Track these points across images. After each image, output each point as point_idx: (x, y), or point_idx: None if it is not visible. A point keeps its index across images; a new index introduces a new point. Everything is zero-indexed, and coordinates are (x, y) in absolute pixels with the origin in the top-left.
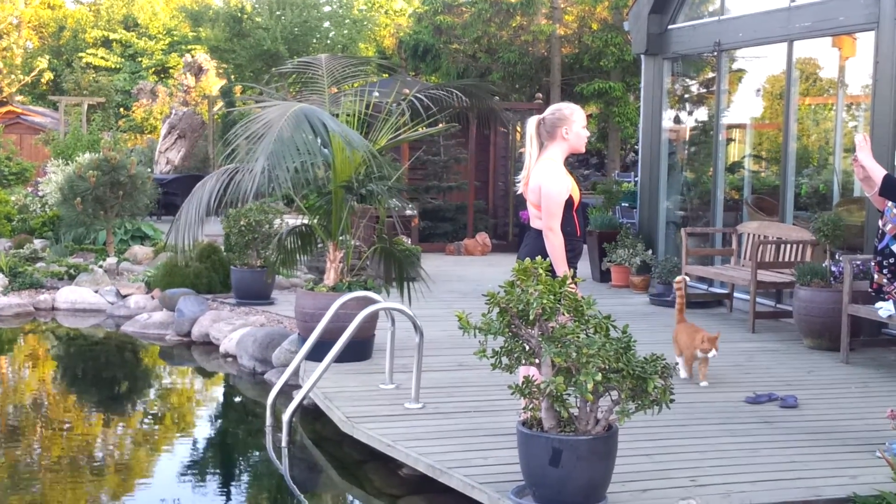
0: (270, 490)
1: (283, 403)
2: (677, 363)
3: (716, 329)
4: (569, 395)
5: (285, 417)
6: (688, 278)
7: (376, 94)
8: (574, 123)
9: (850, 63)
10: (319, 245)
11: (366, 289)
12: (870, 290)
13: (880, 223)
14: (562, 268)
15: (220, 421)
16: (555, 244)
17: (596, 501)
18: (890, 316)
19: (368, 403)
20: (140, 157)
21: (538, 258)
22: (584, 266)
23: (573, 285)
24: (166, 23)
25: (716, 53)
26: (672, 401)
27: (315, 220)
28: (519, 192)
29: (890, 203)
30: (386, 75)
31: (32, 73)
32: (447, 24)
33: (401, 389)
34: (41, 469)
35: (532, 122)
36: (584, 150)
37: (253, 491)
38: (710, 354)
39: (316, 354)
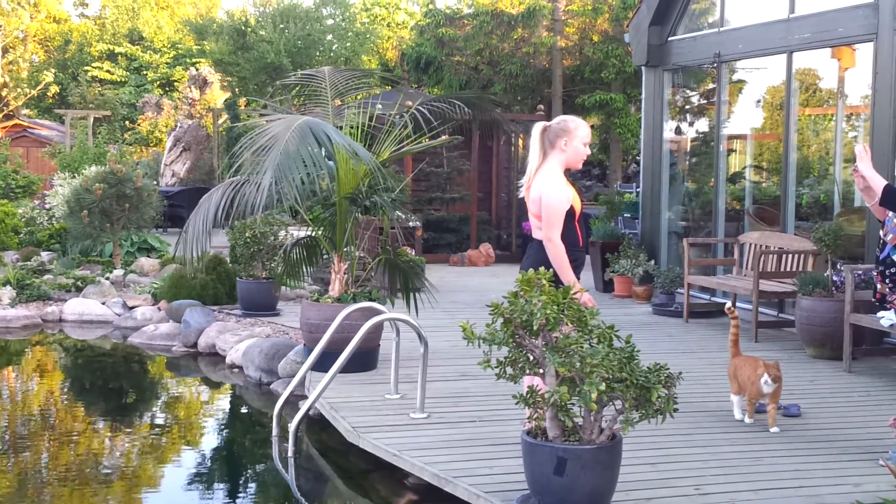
0: (277, 500)
1: (289, 414)
2: (741, 408)
3: (719, 340)
4: (573, 404)
5: (291, 427)
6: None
7: (379, 106)
8: (575, 138)
9: (850, 74)
10: (324, 256)
11: (370, 300)
12: (872, 299)
13: (881, 233)
14: (567, 276)
15: (226, 431)
16: (556, 254)
17: None
18: (892, 325)
19: (374, 413)
20: (146, 170)
21: (541, 269)
22: (586, 276)
23: (578, 295)
24: (171, 36)
25: (716, 65)
26: (675, 410)
27: (320, 232)
28: (521, 196)
29: (891, 213)
30: (389, 87)
31: (38, 87)
32: (449, 36)
33: (406, 399)
34: (49, 479)
35: (537, 128)
36: (580, 167)
37: (259, 501)
38: (762, 380)
39: (321, 365)
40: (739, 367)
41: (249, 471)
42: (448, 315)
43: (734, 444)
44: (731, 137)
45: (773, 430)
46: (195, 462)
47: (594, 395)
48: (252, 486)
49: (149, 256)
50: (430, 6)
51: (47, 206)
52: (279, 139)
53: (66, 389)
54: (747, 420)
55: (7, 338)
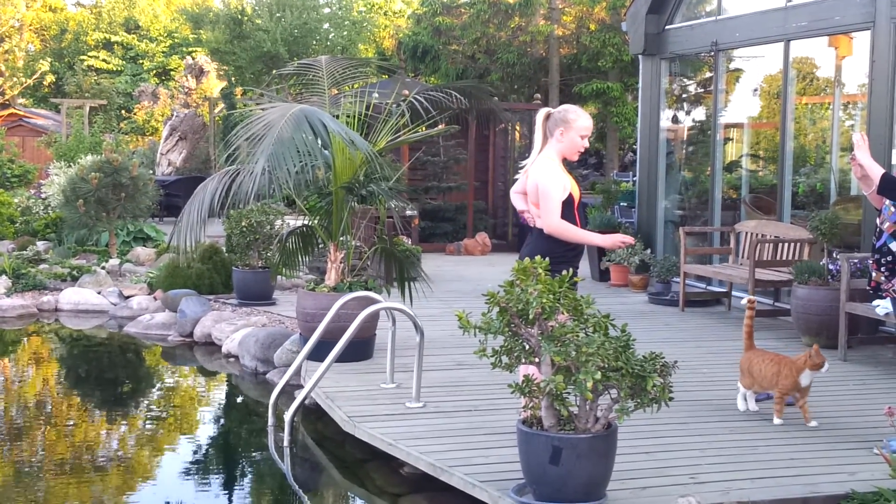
0: (272, 489)
1: (284, 403)
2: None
3: (716, 328)
4: (568, 393)
5: (287, 417)
6: (756, 300)
7: (376, 95)
8: (572, 130)
9: (847, 62)
10: (320, 246)
11: (366, 289)
12: (867, 287)
13: (878, 221)
14: (591, 239)
15: (222, 421)
16: (563, 231)
17: (596, 499)
18: (887, 314)
19: (370, 403)
20: (142, 159)
21: (538, 257)
22: (583, 265)
23: (621, 238)
24: (167, 25)
25: (713, 53)
26: (671, 399)
27: (316, 221)
28: (516, 178)
29: (888, 201)
30: (385, 76)
31: (34, 76)
32: (446, 25)
33: (402, 389)
34: (44, 469)
35: (541, 113)
36: (576, 158)
37: (255, 490)
38: (824, 370)
39: (317, 354)
40: (754, 361)
41: (245, 460)
42: (444, 304)
43: (730, 432)
44: (728, 126)
45: (813, 423)
46: (191, 452)
47: (590, 384)
48: (248, 475)
49: (145, 246)
50: None
51: (43, 196)
52: (273, 126)
53: (61, 379)
54: (777, 420)
55: (2, 327)
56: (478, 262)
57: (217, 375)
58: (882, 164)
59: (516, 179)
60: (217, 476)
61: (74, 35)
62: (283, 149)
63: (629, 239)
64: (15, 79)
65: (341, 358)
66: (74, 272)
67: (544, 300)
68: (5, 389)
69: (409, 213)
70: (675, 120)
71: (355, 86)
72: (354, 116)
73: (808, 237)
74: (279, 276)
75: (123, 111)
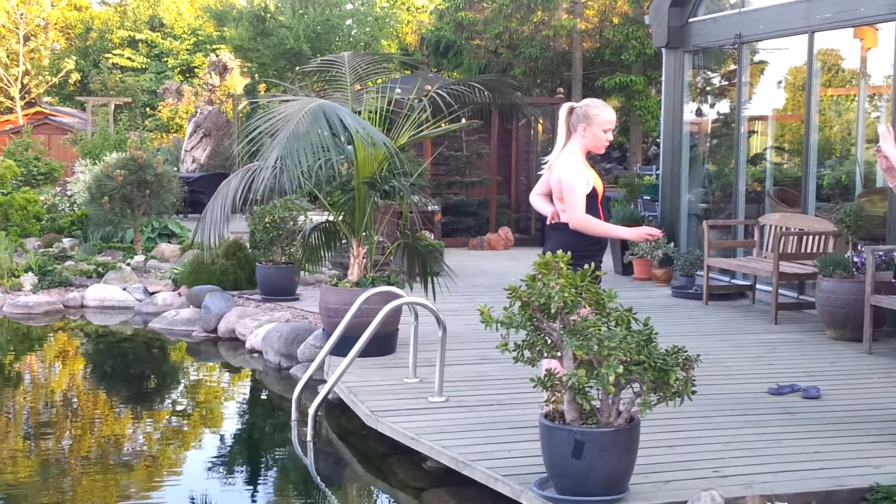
0: (296, 483)
1: (308, 398)
2: None
3: (740, 322)
4: (591, 387)
5: (311, 412)
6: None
7: (398, 90)
8: (594, 125)
9: (872, 54)
10: (343, 241)
11: (389, 284)
12: (893, 280)
13: None
14: (617, 233)
15: (246, 415)
16: (587, 225)
17: (618, 493)
18: None
19: (392, 397)
20: (166, 156)
21: (559, 252)
22: (606, 259)
23: (648, 231)
24: (191, 23)
25: (737, 46)
26: (694, 392)
27: (339, 217)
28: (540, 173)
29: None
30: (408, 72)
31: (60, 74)
32: (468, 20)
33: (424, 383)
34: (72, 463)
35: (564, 108)
36: (602, 151)
37: (279, 484)
38: None
39: (340, 349)
40: None
41: (269, 455)
42: (467, 299)
43: (753, 426)
44: (752, 119)
45: None
46: (215, 446)
47: (612, 378)
48: (272, 469)
49: (169, 242)
50: None
51: (69, 193)
52: (290, 121)
53: (88, 375)
54: None
55: (29, 324)
56: (500, 256)
57: (241, 371)
58: None
59: (539, 174)
60: (241, 470)
61: (99, 33)
62: (297, 144)
63: (656, 232)
64: (41, 77)
65: (364, 353)
66: (100, 269)
67: (566, 294)
68: (33, 385)
69: (431, 208)
70: (698, 113)
71: (378, 81)
72: (377, 112)
73: (832, 230)
74: (302, 272)
75: (148, 109)
